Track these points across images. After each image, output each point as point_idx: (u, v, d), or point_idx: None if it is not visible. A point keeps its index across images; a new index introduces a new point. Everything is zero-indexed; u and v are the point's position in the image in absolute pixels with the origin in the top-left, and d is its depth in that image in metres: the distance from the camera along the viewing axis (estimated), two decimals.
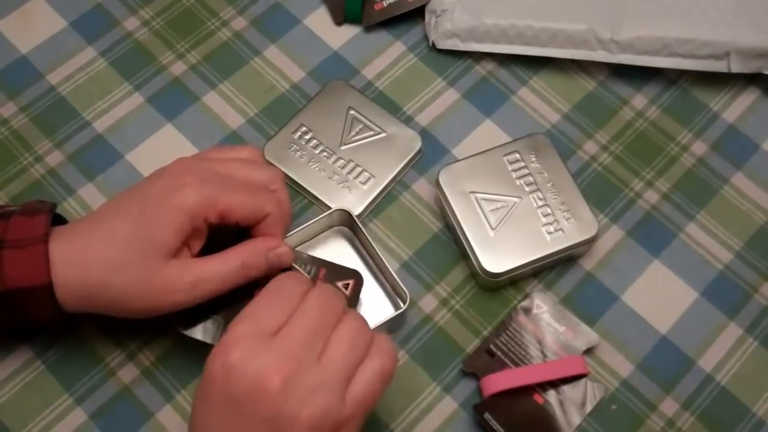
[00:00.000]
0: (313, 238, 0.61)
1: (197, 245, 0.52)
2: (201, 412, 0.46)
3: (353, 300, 0.55)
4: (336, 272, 0.56)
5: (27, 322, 0.53)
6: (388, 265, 0.58)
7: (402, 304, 0.58)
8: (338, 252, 0.61)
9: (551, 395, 0.57)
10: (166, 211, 0.51)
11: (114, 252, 0.51)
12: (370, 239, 0.59)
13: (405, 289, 0.57)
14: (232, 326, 0.46)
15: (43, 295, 0.50)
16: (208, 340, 0.53)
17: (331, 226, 0.61)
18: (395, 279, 0.58)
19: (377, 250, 0.59)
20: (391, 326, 0.58)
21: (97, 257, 0.51)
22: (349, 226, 0.61)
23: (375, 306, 0.59)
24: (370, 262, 0.61)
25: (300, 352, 0.45)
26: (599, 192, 0.64)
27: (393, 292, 0.60)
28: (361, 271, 0.56)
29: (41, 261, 0.50)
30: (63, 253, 0.51)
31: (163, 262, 0.50)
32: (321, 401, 0.44)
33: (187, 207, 0.50)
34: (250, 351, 0.44)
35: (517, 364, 0.58)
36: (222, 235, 0.53)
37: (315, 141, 0.64)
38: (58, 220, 0.55)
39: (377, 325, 0.56)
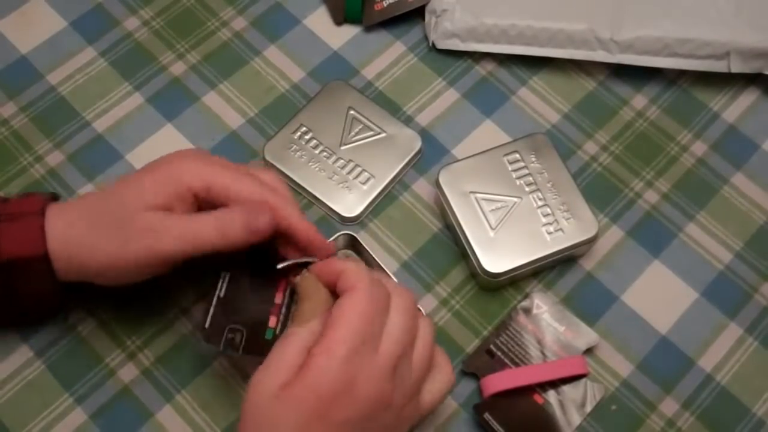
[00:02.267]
0: None
1: (183, 207, 0.52)
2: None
3: None
4: None
5: (22, 295, 0.53)
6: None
7: None
8: None
9: (551, 395, 0.57)
10: (150, 173, 0.52)
11: (100, 208, 0.52)
12: (378, 260, 0.59)
13: (421, 308, 0.57)
14: (327, 347, 0.46)
15: (39, 265, 0.51)
16: (234, 354, 0.52)
17: (336, 251, 0.61)
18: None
19: (387, 271, 0.59)
20: None
21: (86, 218, 0.52)
22: (354, 249, 0.61)
23: None
24: None
25: (395, 365, 0.47)
26: (599, 192, 0.64)
27: None
28: None
29: (37, 232, 0.51)
30: (57, 225, 0.51)
31: (142, 210, 0.50)
32: (408, 410, 0.49)
33: (178, 168, 0.51)
34: (359, 365, 0.46)
35: (517, 364, 0.58)
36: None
37: (315, 141, 0.64)
38: None
39: None
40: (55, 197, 0.55)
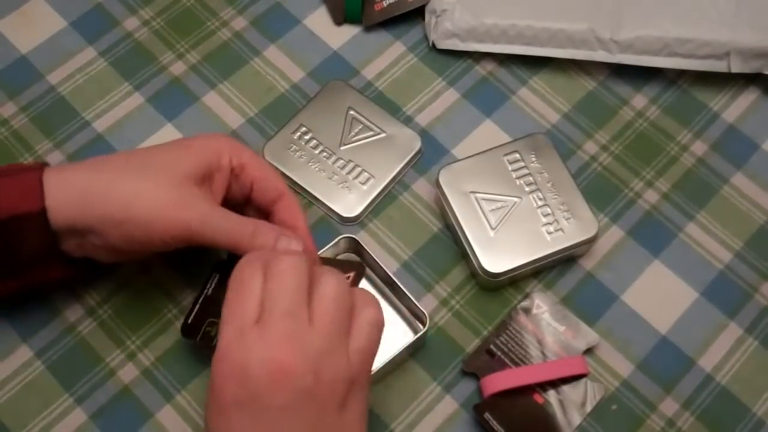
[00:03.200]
0: None
1: (220, 191, 0.54)
2: (220, 425, 0.44)
3: None
4: (337, 267, 0.56)
5: (22, 255, 0.52)
6: (403, 287, 0.58)
7: (422, 326, 0.58)
8: None
9: (551, 395, 0.57)
10: (191, 141, 0.54)
11: (133, 163, 0.52)
12: (380, 263, 0.59)
13: (423, 309, 0.57)
14: (220, 333, 0.45)
15: (36, 221, 0.50)
16: (210, 346, 0.53)
17: (337, 255, 0.61)
18: (412, 300, 0.58)
19: (389, 273, 0.59)
20: (413, 349, 0.58)
21: (96, 168, 0.52)
22: (356, 252, 0.61)
23: (394, 330, 0.58)
24: (383, 286, 0.60)
25: (287, 326, 0.44)
26: (599, 192, 0.64)
27: (411, 314, 0.59)
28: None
29: (34, 184, 0.50)
30: (61, 179, 0.51)
31: (186, 181, 0.51)
32: (330, 365, 0.44)
33: (214, 142, 0.54)
34: (247, 346, 0.43)
35: (517, 364, 0.58)
36: None
37: (315, 141, 0.64)
38: None
39: (399, 350, 0.55)
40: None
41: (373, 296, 0.48)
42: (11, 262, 0.52)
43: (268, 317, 0.44)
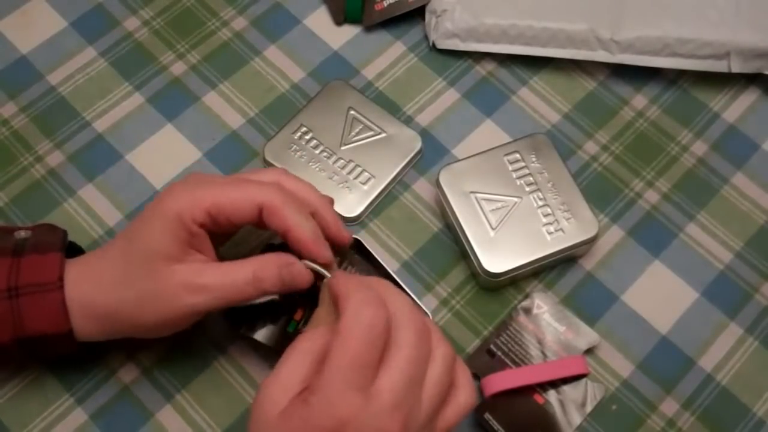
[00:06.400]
0: None
1: (207, 251, 0.51)
2: None
3: None
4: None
5: (45, 357, 0.55)
6: (405, 287, 0.58)
7: None
8: None
9: (551, 395, 0.57)
10: (153, 220, 0.49)
11: (117, 271, 0.50)
12: (383, 264, 0.59)
13: (426, 309, 0.57)
14: (329, 378, 0.42)
15: (63, 338, 0.51)
16: (248, 334, 0.54)
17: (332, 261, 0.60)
18: (414, 300, 0.58)
19: (391, 272, 0.59)
20: None
21: (104, 283, 0.50)
22: (358, 252, 0.61)
23: None
24: None
25: (404, 398, 0.43)
26: (599, 192, 0.64)
27: None
28: None
29: (58, 309, 0.50)
30: (78, 294, 0.50)
31: (166, 268, 0.49)
32: None
33: (171, 209, 0.49)
34: (363, 408, 0.42)
35: (517, 364, 0.58)
36: None
37: (315, 141, 0.64)
38: (71, 248, 0.55)
39: None
40: (65, 238, 0.54)
41: (471, 377, 0.47)
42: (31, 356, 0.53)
43: (388, 383, 0.42)
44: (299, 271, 0.50)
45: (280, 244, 0.53)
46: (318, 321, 0.48)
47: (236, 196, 0.50)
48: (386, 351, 0.43)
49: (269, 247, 0.56)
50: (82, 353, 0.53)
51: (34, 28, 0.69)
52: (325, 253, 0.50)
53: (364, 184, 0.63)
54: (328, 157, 0.63)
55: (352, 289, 0.44)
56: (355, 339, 0.42)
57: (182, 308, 0.49)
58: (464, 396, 0.46)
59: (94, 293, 0.50)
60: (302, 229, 0.49)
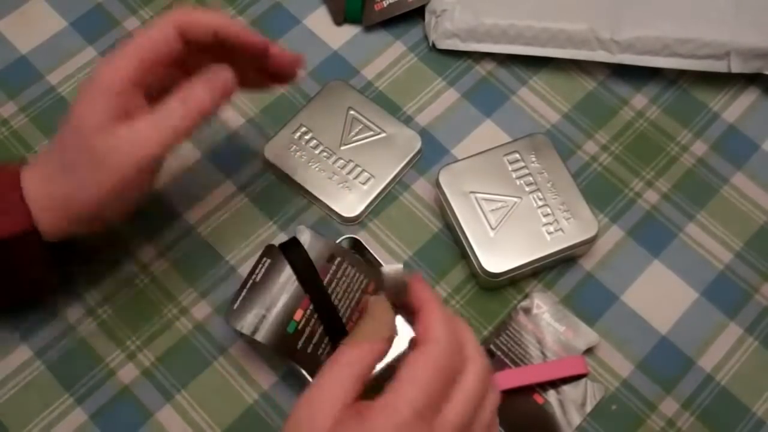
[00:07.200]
0: None
1: (135, 100, 0.50)
2: None
3: None
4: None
5: (17, 272, 0.53)
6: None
7: None
8: None
9: (551, 395, 0.57)
10: (82, 98, 0.50)
11: (64, 156, 0.51)
12: (382, 263, 0.59)
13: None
14: (396, 400, 0.42)
15: (29, 238, 0.51)
16: (247, 333, 0.54)
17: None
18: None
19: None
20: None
21: (55, 172, 0.51)
22: (357, 252, 0.61)
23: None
24: None
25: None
26: (599, 192, 0.64)
27: None
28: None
29: (18, 207, 0.50)
30: (37, 191, 0.51)
31: (101, 136, 0.49)
32: None
33: (94, 81, 0.49)
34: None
35: (517, 364, 0.58)
36: None
37: (315, 141, 0.64)
38: None
39: (401, 350, 0.55)
40: (22, 160, 0.54)
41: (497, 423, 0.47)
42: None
43: (452, 418, 0.43)
44: (225, 78, 0.50)
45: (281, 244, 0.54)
46: (360, 335, 0.46)
47: (149, 35, 0.50)
48: (454, 384, 0.44)
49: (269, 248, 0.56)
50: (83, 353, 0.53)
51: (34, 28, 0.69)
52: (261, 40, 0.53)
53: (363, 184, 0.63)
54: (328, 157, 0.63)
55: (440, 312, 0.45)
56: (436, 369, 0.43)
57: (130, 167, 0.49)
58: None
59: (50, 185, 0.51)
60: (231, 22, 0.52)
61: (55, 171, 0.51)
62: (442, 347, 0.44)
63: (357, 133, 0.64)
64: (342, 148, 0.64)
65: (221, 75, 0.51)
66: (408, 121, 0.67)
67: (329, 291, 0.55)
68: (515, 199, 0.60)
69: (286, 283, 0.55)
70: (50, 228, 0.51)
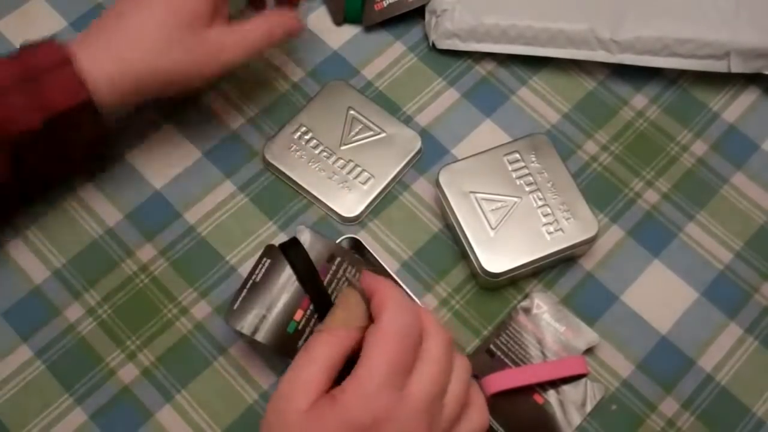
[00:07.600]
0: None
1: (225, 9, 0.59)
2: None
3: None
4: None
5: (73, 145, 0.57)
6: (405, 286, 0.58)
7: None
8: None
9: (551, 395, 0.57)
10: None
11: (154, 38, 0.55)
12: (382, 263, 0.59)
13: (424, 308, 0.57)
14: (366, 375, 0.44)
15: (86, 110, 0.54)
16: (247, 333, 0.54)
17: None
18: (413, 299, 0.58)
19: (391, 272, 0.59)
20: None
21: (138, 49, 0.55)
22: (357, 252, 0.61)
23: None
24: None
25: (431, 405, 0.45)
26: (599, 192, 0.64)
27: None
28: None
29: (74, 79, 0.53)
30: (95, 61, 0.54)
31: (204, 30, 0.56)
32: None
33: None
34: (397, 407, 0.44)
35: (517, 364, 0.58)
36: None
37: (315, 141, 0.64)
38: None
39: None
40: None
41: (484, 398, 0.50)
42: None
43: (419, 387, 0.45)
44: (293, 19, 0.61)
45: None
46: (335, 322, 0.48)
47: None
48: (417, 358, 0.46)
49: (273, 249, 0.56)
50: (81, 351, 0.53)
51: (34, 28, 0.69)
52: None
53: (363, 183, 0.63)
54: (328, 157, 0.63)
55: (390, 293, 0.47)
56: (394, 341, 0.45)
57: (219, 64, 0.57)
58: (477, 415, 0.48)
59: (132, 59, 0.55)
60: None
61: (146, 48, 0.55)
62: (398, 318, 0.46)
63: (357, 133, 0.64)
64: (342, 148, 0.64)
65: (290, 13, 0.61)
66: (408, 121, 0.67)
67: (329, 291, 0.55)
68: (515, 199, 0.60)
69: (286, 283, 0.55)
70: (105, 100, 0.54)
